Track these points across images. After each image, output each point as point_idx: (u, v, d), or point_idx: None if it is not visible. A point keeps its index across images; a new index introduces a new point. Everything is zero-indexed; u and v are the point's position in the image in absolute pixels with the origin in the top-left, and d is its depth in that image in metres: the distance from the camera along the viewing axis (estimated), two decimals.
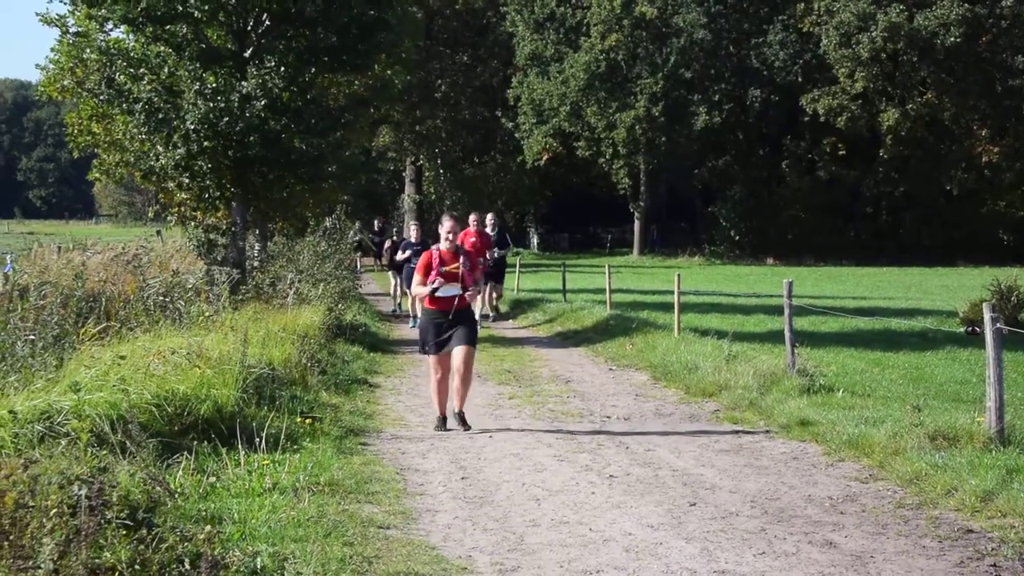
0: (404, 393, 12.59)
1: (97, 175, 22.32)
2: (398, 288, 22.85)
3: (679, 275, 18.06)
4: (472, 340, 10.31)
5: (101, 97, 18.03)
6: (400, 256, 20.30)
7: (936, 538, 6.70)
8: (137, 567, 5.08)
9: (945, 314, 20.32)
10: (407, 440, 9.75)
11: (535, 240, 63.70)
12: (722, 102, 54.30)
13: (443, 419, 10.30)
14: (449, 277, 10.17)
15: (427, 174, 55.47)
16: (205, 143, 17.16)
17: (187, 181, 18.00)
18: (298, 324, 13.43)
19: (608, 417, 11.04)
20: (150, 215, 32.14)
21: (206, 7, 17.05)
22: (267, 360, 10.86)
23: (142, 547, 5.20)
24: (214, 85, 17.17)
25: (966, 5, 49.60)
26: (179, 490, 6.95)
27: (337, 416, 10.33)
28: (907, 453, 8.32)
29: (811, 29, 53.18)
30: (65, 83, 20.71)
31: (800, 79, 53.68)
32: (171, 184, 18.88)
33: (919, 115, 51.21)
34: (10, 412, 7.08)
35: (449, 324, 10.21)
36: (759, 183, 55.64)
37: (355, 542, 6.34)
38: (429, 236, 21.98)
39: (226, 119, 16.89)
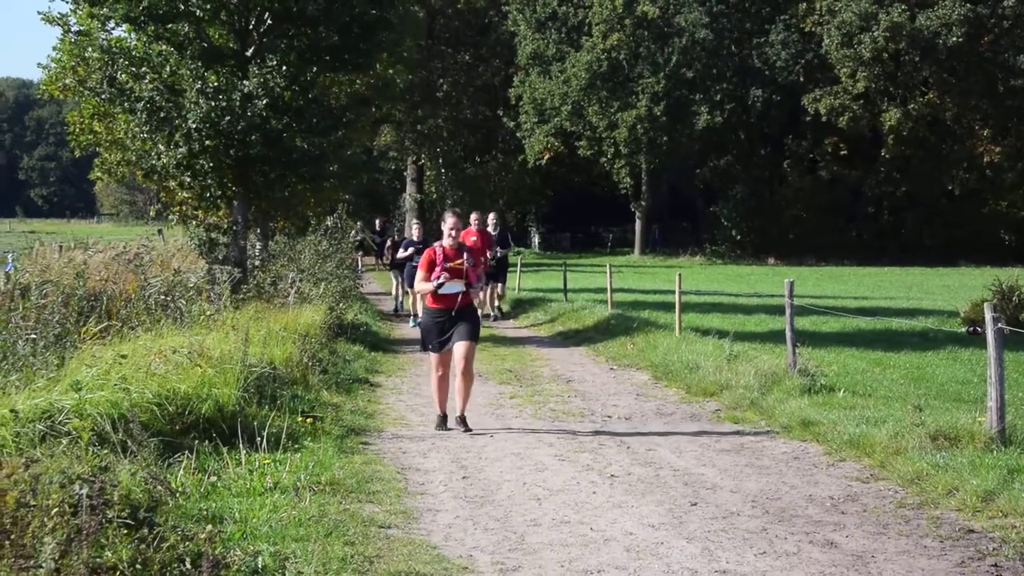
0: (405, 392, 12.59)
1: (99, 174, 22.36)
2: (399, 287, 22.86)
3: (680, 275, 18.05)
4: (474, 336, 10.27)
5: (103, 96, 18.02)
6: (402, 254, 20.30)
7: (937, 538, 6.70)
8: (138, 566, 5.08)
9: (946, 314, 20.30)
10: (408, 439, 9.75)
11: (536, 239, 63.68)
12: (724, 102, 54.25)
13: (444, 418, 10.29)
14: (453, 273, 10.13)
15: (428, 173, 55.43)
16: (207, 142, 17.15)
17: (189, 180, 18.00)
18: (299, 323, 13.45)
19: (609, 417, 11.04)
20: (151, 214, 32.13)
21: (208, 6, 17.04)
22: (268, 359, 10.87)
23: (143, 546, 5.21)
24: (216, 84, 17.17)
25: (968, 5, 49.54)
26: (180, 489, 6.95)
27: (338, 415, 10.33)
28: (908, 453, 8.32)
29: (813, 29, 53.15)
30: (67, 82, 20.74)
31: (802, 79, 53.63)
32: (173, 183, 18.88)
33: (921, 115, 51.16)
34: (11, 411, 7.08)
35: (451, 322, 10.19)
36: (761, 183, 55.60)
37: (356, 541, 6.34)
38: (431, 235, 21.96)
39: (228, 118, 16.89)
